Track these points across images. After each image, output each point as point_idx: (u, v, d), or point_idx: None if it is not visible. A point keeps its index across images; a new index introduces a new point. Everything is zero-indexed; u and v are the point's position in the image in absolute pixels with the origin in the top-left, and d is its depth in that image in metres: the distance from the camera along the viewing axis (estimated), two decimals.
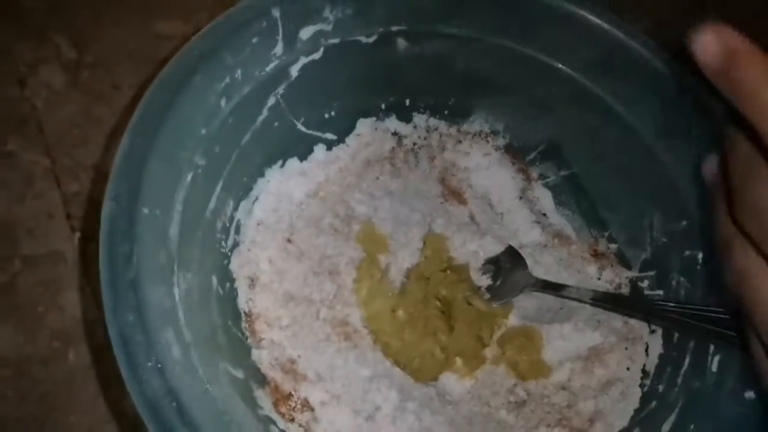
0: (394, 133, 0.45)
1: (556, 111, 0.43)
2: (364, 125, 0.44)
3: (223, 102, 0.34)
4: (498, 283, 0.40)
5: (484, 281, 0.41)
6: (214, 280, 0.35)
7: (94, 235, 0.46)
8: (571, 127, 0.43)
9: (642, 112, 0.39)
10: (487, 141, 0.46)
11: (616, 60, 0.38)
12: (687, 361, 0.36)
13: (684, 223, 0.38)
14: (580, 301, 0.39)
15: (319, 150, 0.43)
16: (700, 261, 0.37)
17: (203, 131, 0.33)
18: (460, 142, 0.46)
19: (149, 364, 0.26)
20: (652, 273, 0.41)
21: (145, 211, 0.29)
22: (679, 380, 0.35)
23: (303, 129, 0.41)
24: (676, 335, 0.38)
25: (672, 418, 0.34)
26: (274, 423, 0.34)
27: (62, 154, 0.49)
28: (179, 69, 0.31)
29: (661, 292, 0.40)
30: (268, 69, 0.36)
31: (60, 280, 0.45)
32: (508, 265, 0.41)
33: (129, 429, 0.41)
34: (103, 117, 0.50)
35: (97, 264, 0.45)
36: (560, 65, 0.40)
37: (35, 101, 0.51)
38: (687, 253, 0.38)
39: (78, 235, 0.47)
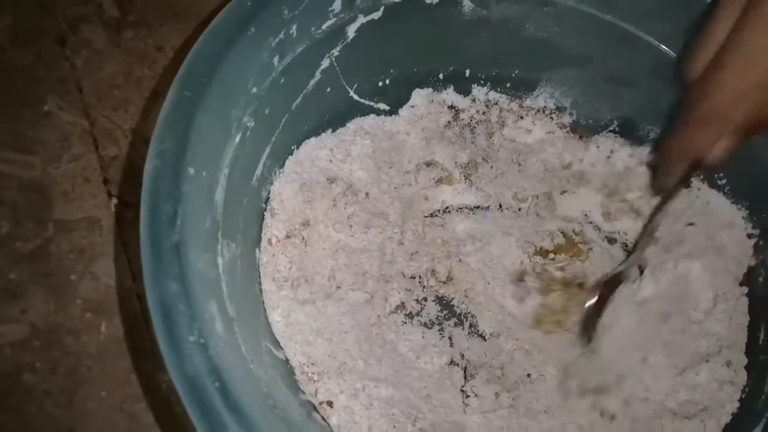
0: (451, 107, 0.43)
1: (634, 86, 0.40)
2: (419, 96, 0.42)
3: (276, 60, 0.31)
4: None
5: None
6: (257, 253, 0.33)
7: (132, 202, 0.45)
8: (651, 106, 0.40)
9: None
10: (552, 118, 0.43)
11: None
12: None
13: None
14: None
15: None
16: None
17: (254, 90, 0.31)
18: (521, 118, 0.43)
19: (191, 338, 0.24)
20: None
21: (191, 171, 0.27)
22: (767, 388, 0.32)
23: (355, 97, 0.39)
24: (762, 336, 0.34)
25: (759, 427, 0.31)
26: (316, 409, 0.32)
27: (101, 116, 0.48)
28: (233, 18, 0.29)
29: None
30: (324, 27, 0.33)
31: (94, 247, 0.44)
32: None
33: (162, 408, 0.39)
34: (145, 79, 0.49)
35: (134, 232, 0.44)
36: (643, 34, 0.37)
37: (75, 60, 0.49)
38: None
39: (115, 201, 0.45)
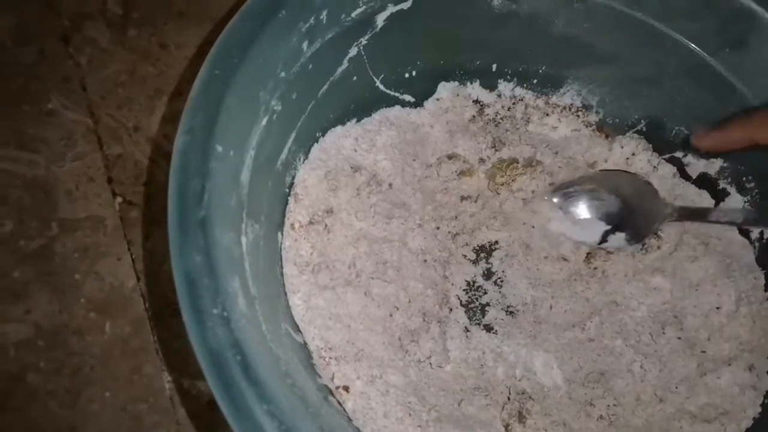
0: (476, 101, 0.46)
1: (664, 86, 0.43)
2: (445, 89, 0.45)
3: (305, 45, 0.34)
4: (629, 221, 0.40)
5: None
6: (280, 236, 0.36)
7: (136, 201, 0.48)
8: (679, 107, 0.43)
9: None
10: (578, 116, 0.46)
11: (742, 30, 0.38)
12: None
13: None
14: (732, 224, 0.40)
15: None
16: None
17: (282, 74, 0.33)
18: (547, 115, 0.46)
19: (215, 311, 0.26)
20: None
21: (219, 149, 0.29)
22: None
23: (381, 87, 0.42)
24: None
25: None
26: (332, 394, 0.34)
27: (105, 114, 0.51)
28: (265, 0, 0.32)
29: None
30: (354, 14, 0.36)
31: (99, 246, 0.46)
32: (633, 197, 0.40)
33: (165, 408, 0.41)
34: (149, 77, 0.52)
35: (138, 231, 0.47)
36: (674, 33, 0.40)
37: (79, 58, 0.52)
38: None
39: (119, 200, 0.48)
